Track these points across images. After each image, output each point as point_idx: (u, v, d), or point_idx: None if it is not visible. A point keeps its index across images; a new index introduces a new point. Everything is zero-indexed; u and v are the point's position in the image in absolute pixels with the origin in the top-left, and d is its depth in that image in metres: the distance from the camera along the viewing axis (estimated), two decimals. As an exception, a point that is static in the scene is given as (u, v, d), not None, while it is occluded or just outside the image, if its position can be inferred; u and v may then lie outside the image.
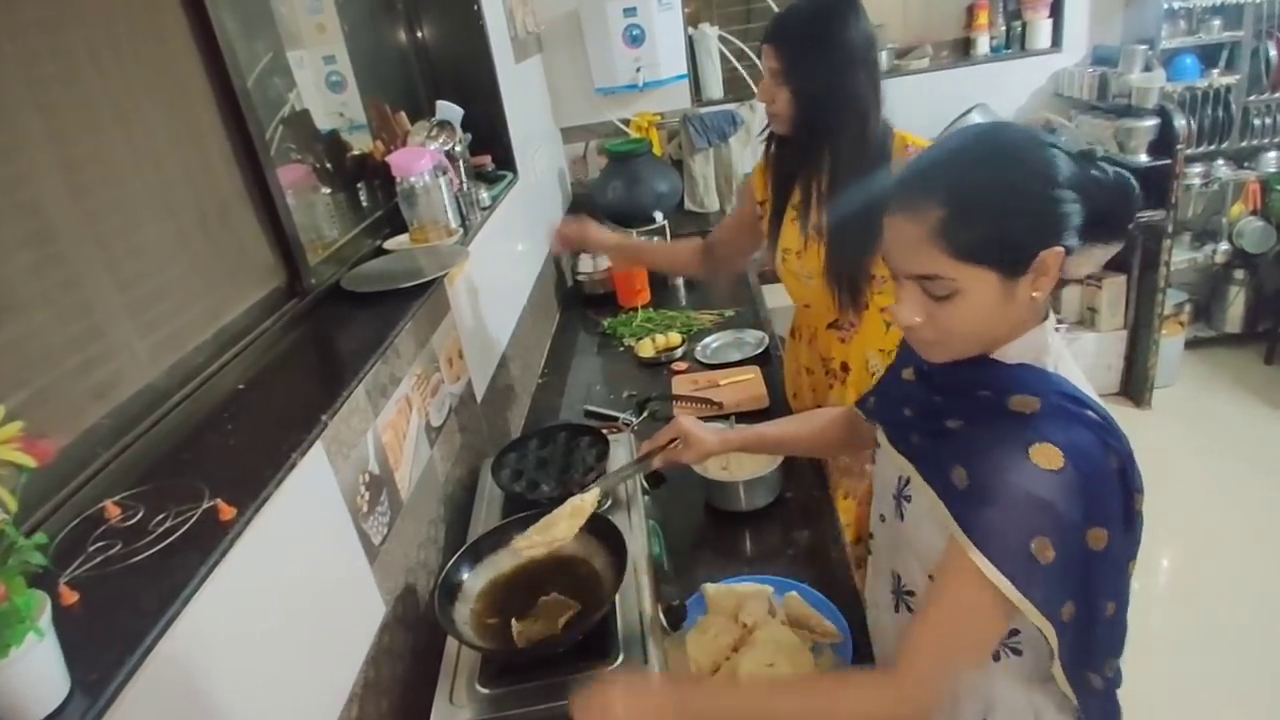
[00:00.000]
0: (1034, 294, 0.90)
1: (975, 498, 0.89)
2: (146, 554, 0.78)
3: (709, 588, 1.37)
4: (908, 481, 1.02)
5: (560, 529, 1.21)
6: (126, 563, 0.77)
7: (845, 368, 1.72)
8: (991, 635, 0.93)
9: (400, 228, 1.79)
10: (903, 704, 0.92)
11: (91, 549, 0.79)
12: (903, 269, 0.92)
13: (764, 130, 1.69)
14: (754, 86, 1.61)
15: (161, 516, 0.83)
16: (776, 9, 1.60)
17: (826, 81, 1.47)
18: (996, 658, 1.01)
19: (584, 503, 1.23)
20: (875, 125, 1.51)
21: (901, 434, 1.07)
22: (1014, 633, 0.99)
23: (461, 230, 1.80)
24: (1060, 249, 0.88)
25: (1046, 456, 0.85)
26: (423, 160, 1.69)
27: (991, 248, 0.87)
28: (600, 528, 1.25)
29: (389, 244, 1.76)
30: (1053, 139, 0.91)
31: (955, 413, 0.97)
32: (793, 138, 1.58)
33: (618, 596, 1.16)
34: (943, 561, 0.93)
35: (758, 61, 1.73)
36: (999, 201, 0.87)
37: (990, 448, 0.89)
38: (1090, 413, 0.90)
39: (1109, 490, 0.88)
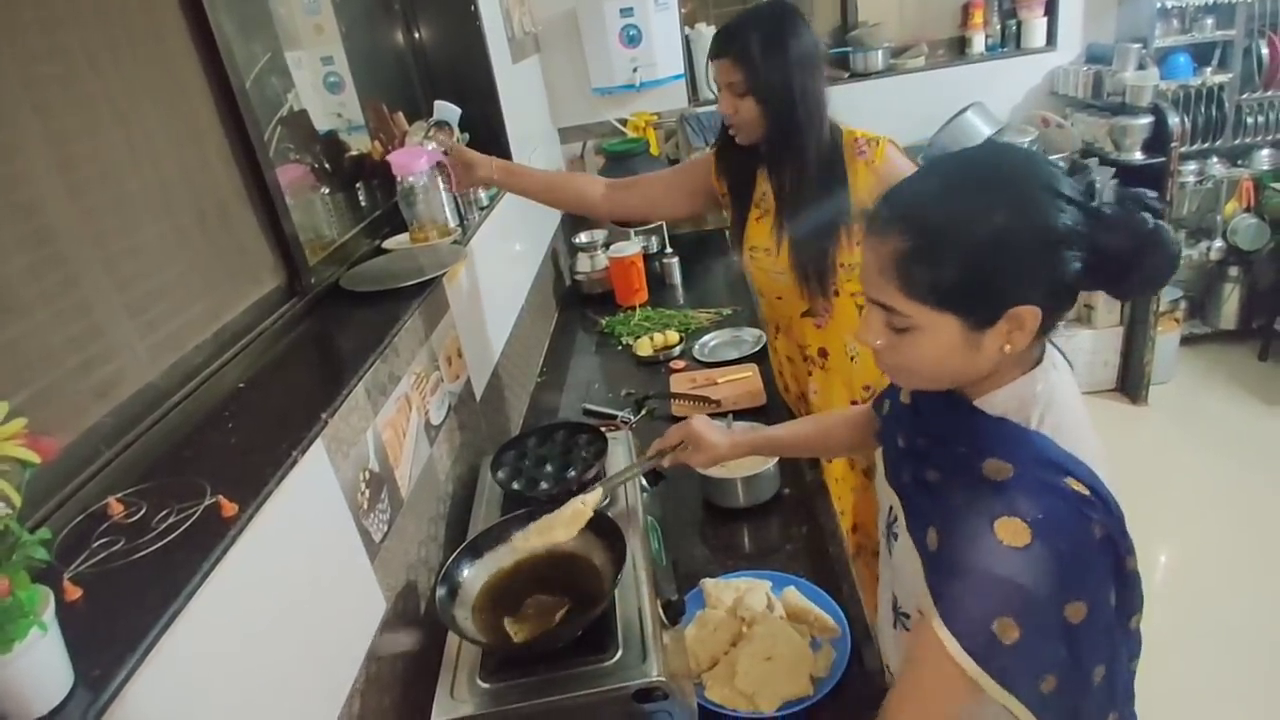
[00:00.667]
0: (1006, 347, 0.82)
1: (945, 567, 0.85)
2: (149, 550, 0.79)
3: (708, 583, 1.38)
4: (895, 518, 1.00)
5: (559, 534, 1.22)
6: (129, 559, 0.78)
7: (823, 353, 1.77)
8: (959, 705, 0.87)
9: (399, 227, 1.80)
10: None
11: (95, 545, 0.79)
12: (866, 289, 0.87)
13: (716, 140, 1.75)
14: (714, 87, 1.64)
15: (164, 513, 0.83)
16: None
17: (789, 87, 1.52)
18: None
19: (585, 506, 1.24)
20: (827, 124, 1.58)
21: (895, 467, 1.03)
22: None
23: (460, 229, 1.81)
24: (1035, 309, 0.79)
25: (1012, 532, 0.78)
26: (421, 160, 1.69)
27: (953, 294, 0.80)
28: (599, 524, 1.26)
29: (388, 243, 1.77)
30: (1066, 184, 0.81)
31: (935, 463, 0.92)
32: (758, 144, 1.63)
33: (617, 592, 1.17)
34: (916, 626, 0.90)
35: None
36: (971, 246, 0.79)
37: (960, 516, 0.84)
38: (1069, 481, 0.82)
39: (1086, 561, 0.82)
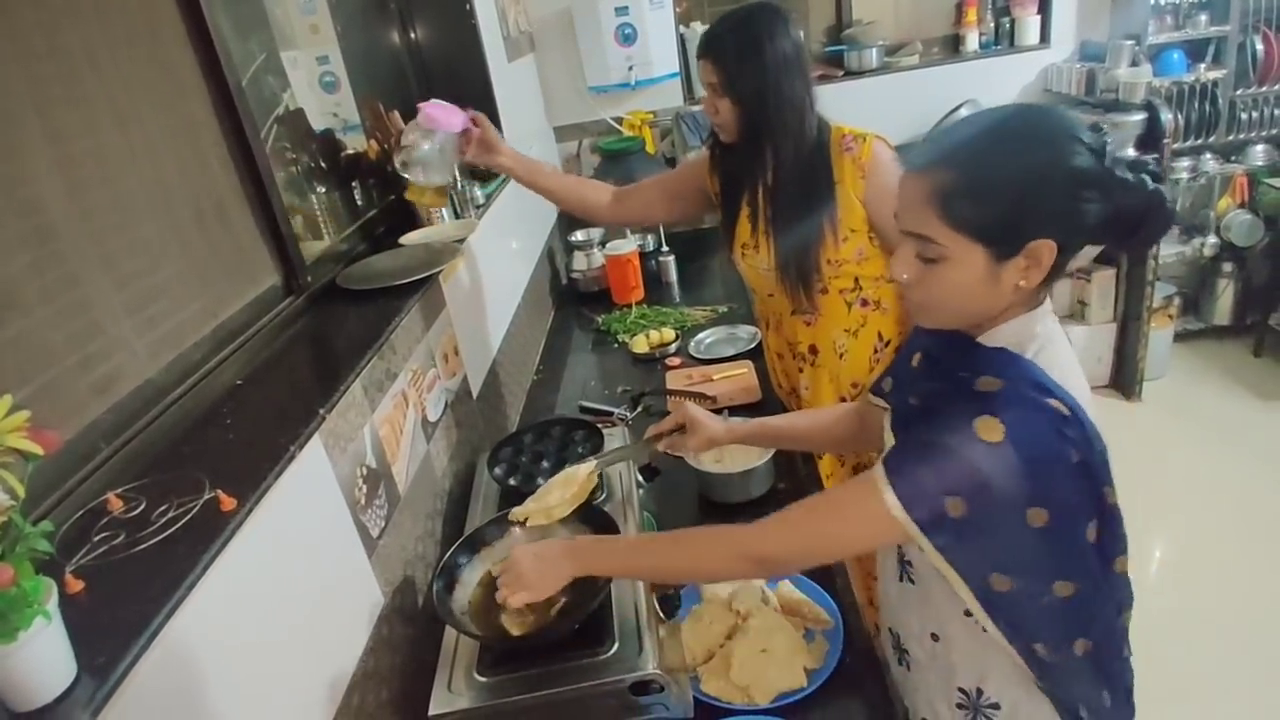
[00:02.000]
0: (1020, 282, 0.90)
1: (913, 442, 0.92)
2: (149, 544, 0.80)
3: (703, 578, 1.39)
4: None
5: (554, 496, 1.23)
6: (130, 552, 0.79)
7: (814, 350, 1.79)
8: (851, 543, 1.00)
9: (396, 225, 1.81)
10: (747, 559, 1.00)
11: (96, 539, 0.80)
12: (902, 223, 0.94)
13: (708, 138, 1.78)
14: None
15: (164, 508, 0.85)
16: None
17: (763, 88, 1.54)
18: (987, 629, 1.03)
19: (578, 472, 1.25)
20: (812, 124, 1.60)
21: (904, 423, 1.08)
22: None
23: (459, 186, 1.89)
24: (1053, 243, 0.88)
25: (988, 428, 0.85)
26: (458, 116, 1.65)
27: (986, 224, 0.88)
28: (596, 519, 1.27)
29: (404, 239, 1.78)
30: (1089, 134, 0.89)
31: (938, 394, 0.99)
32: (738, 144, 1.65)
33: (613, 585, 1.18)
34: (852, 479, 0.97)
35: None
36: (1005, 181, 0.87)
37: (944, 412, 0.91)
38: (1054, 401, 0.88)
39: (1054, 474, 0.88)
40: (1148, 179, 0.89)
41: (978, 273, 0.90)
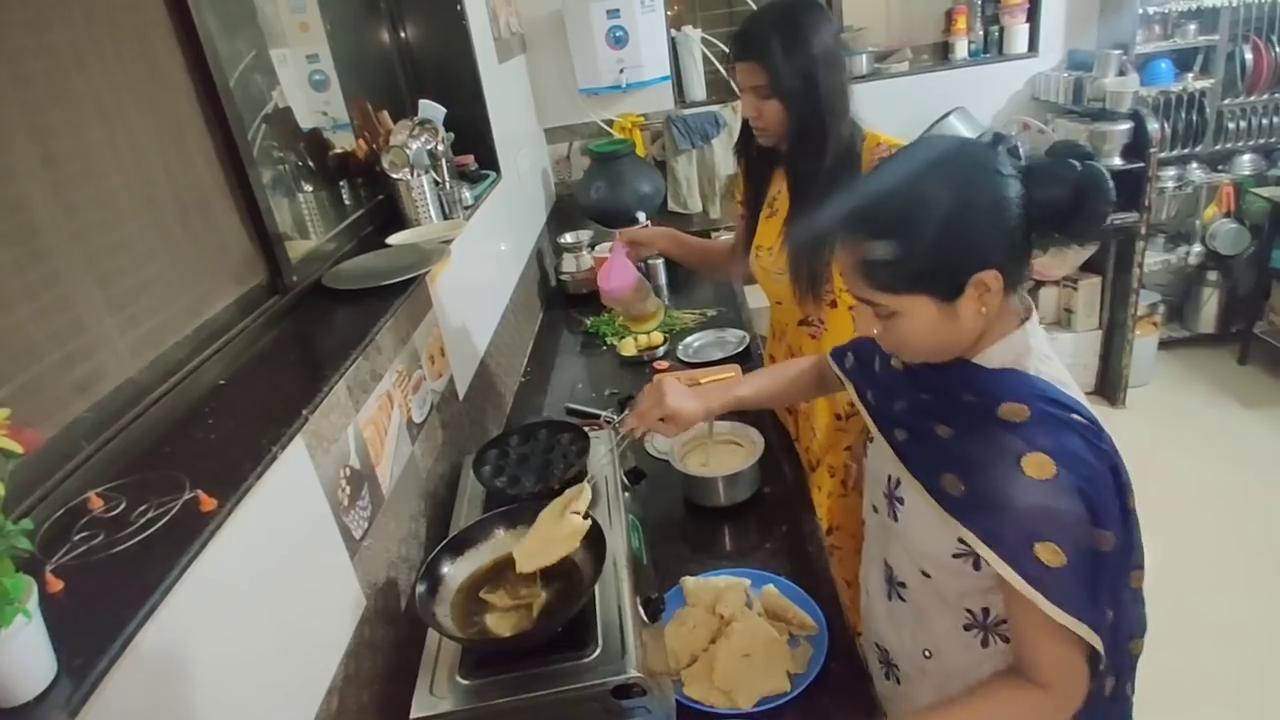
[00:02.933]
0: (981, 310, 0.90)
1: (976, 506, 0.90)
2: (129, 544, 0.79)
3: (687, 581, 1.39)
4: (899, 483, 1.03)
5: (559, 550, 1.20)
6: (110, 552, 0.78)
7: None
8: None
9: (383, 225, 1.80)
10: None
11: (75, 539, 0.80)
12: (849, 289, 0.96)
13: (736, 143, 1.74)
14: (737, 89, 1.62)
15: (144, 508, 0.84)
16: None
17: (812, 86, 1.48)
18: (985, 644, 1.03)
19: (580, 517, 1.22)
20: (849, 120, 1.55)
21: (891, 428, 1.07)
22: (1003, 622, 1.01)
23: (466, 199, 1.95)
24: (994, 271, 0.87)
25: (1038, 465, 0.86)
26: (631, 273, 1.85)
27: (917, 278, 0.88)
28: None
29: (392, 239, 1.77)
30: (997, 156, 0.89)
31: (943, 417, 0.97)
32: (779, 145, 1.60)
33: (597, 589, 1.18)
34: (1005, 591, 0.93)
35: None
36: (922, 233, 0.87)
37: (983, 460, 0.90)
38: (1077, 416, 0.90)
39: (1105, 492, 0.89)
40: (1074, 163, 0.88)
41: (932, 317, 0.90)
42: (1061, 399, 0.91)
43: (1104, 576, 0.90)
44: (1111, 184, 0.88)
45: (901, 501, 1.04)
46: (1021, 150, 0.90)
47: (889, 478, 1.06)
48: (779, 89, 1.50)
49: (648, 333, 2.20)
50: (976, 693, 0.98)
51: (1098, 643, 0.88)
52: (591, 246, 2.94)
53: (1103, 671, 0.94)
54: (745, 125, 1.66)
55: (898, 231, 0.88)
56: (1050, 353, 0.97)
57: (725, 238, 1.97)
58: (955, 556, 0.97)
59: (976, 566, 0.97)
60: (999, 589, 0.99)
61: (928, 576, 1.02)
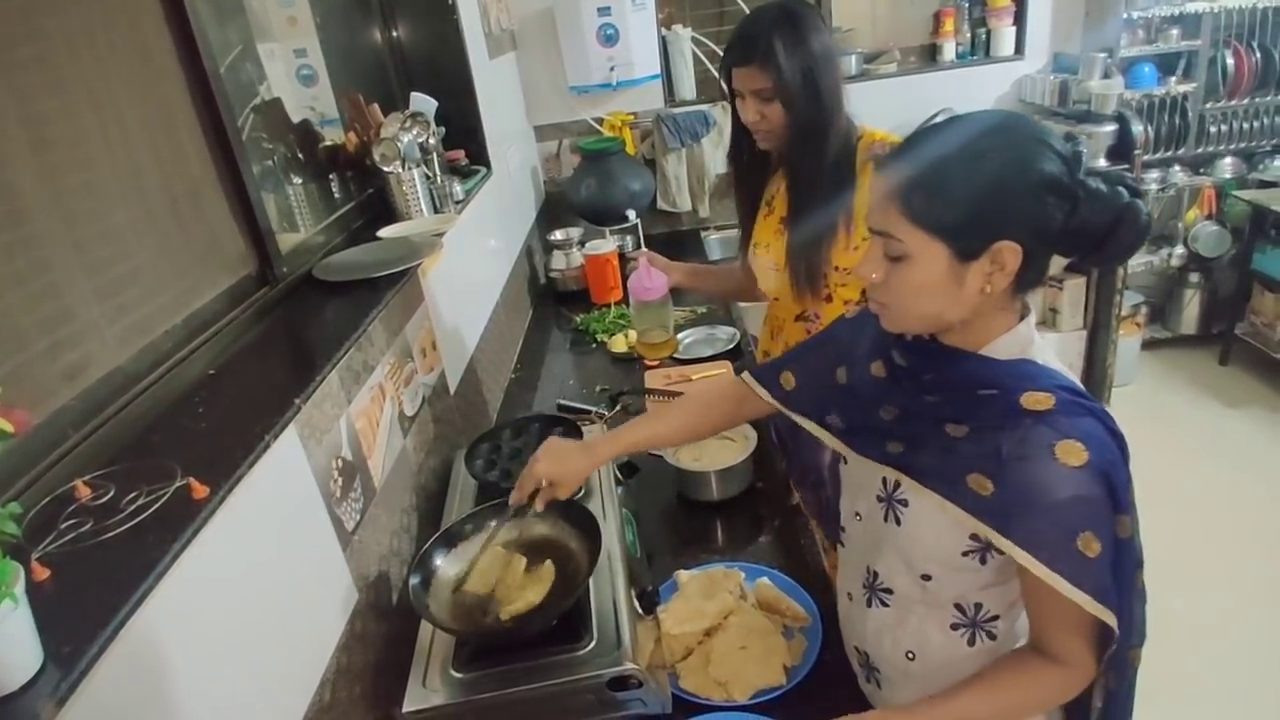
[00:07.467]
0: (986, 287, 0.89)
1: (1011, 505, 0.89)
2: (118, 531, 0.78)
3: (682, 574, 1.39)
4: (898, 485, 1.01)
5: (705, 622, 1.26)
6: (98, 540, 0.77)
7: None
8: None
9: (374, 218, 1.79)
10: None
11: (63, 527, 0.78)
12: (870, 221, 0.94)
13: (730, 148, 1.74)
14: (735, 94, 1.60)
15: (133, 495, 0.82)
16: (749, 12, 1.62)
17: (814, 88, 1.48)
18: (971, 642, 1.03)
19: (728, 603, 1.27)
20: (845, 117, 1.56)
21: (876, 440, 1.04)
22: (994, 618, 1.02)
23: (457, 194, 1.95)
24: (1017, 246, 0.86)
25: (1071, 452, 0.85)
26: (660, 282, 1.94)
27: (946, 220, 0.86)
28: (575, 515, 1.27)
29: (383, 232, 1.75)
30: (1062, 143, 0.89)
31: (955, 417, 0.95)
32: (778, 148, 1.60)
33: (592, 582, 1.18)
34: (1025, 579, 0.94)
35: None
36: (968, 178, 0.86)
37: (1013, 453, 0.88)
38: (1091, 403, 0.90)
39: (1124, 476, 0.90)
40: (1123, 191, 0.87)
41: (940, 270, 0.88)
42: (1076, 386, 0.92)
43: (1125, 564, 0.92)
44: (1149, 223, 0.88)
45: (905, 504, 1.01)
46: (1084, 161, 0.89)
47: (884, 481, 1.03)
48: (782, 91, 1.49)
49: (657, 359, 2.23)
50: (1004, 666, 1.00)
51: (1114, 624, 0.91)
52: (581, 244, 2.93)
53: (1106, 670, 0.96)
54: (737, 131, 1.65)
55: (951, 169, 0.87)
56: (1048, 349, 0.97)
57: (738, 263, 1.94)
58: (965, 554, 0.97)
59: (984, 561, 0.96)
60: (1000, 583, 0.99)
61: (927, 579, 1.01)
